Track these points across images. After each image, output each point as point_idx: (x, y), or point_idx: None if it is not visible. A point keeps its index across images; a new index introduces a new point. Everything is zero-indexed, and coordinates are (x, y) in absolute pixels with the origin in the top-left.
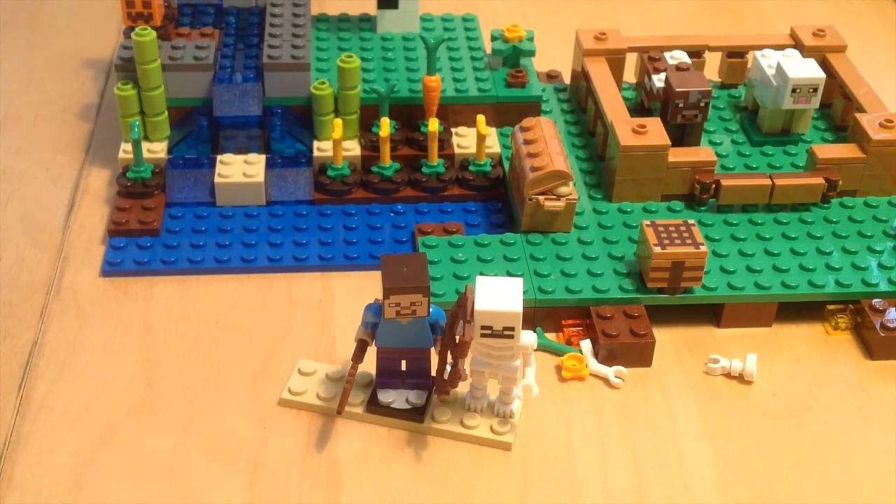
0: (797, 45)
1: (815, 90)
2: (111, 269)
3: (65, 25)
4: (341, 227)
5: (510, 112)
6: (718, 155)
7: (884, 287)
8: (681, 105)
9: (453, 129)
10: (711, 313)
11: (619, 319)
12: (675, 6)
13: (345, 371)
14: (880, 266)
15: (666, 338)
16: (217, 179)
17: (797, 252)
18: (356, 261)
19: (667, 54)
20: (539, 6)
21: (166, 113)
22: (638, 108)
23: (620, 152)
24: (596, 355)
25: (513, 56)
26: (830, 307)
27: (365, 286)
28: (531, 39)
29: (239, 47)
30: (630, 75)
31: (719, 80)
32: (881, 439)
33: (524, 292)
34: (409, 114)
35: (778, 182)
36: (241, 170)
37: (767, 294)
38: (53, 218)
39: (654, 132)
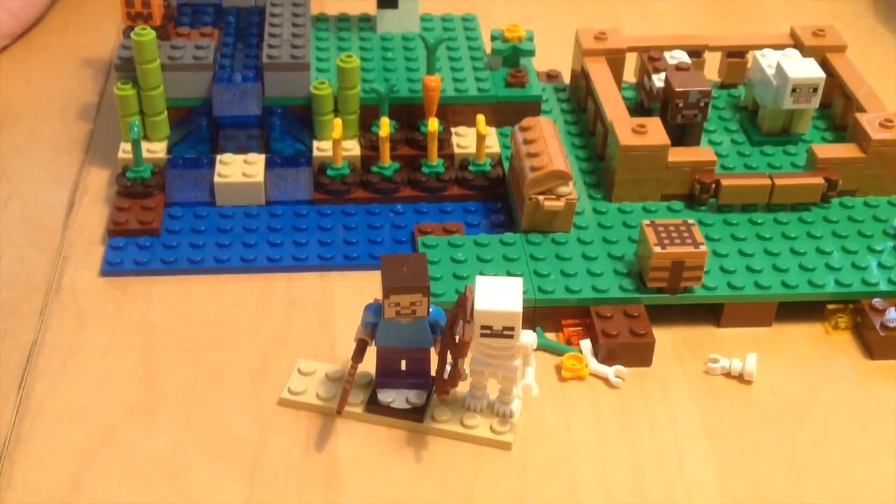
0: (797, 44)
1: (815, 90)
2: (111, 268)
3: (64, 25)
4: (341, 227)
5: (510, 112)
6: (718, 154)
7: (884, 287)
8: (681, 105)
9: (453, 129)
10: (711, 313)
11: (618, 319)
12: (675, 6)
13: (344, 371)
14: (880, 266)
15: (666, 338)
16: (217, 179)
17: (797, 252)
18: (356, 261)
19: (667, 54)
20: (539, 6)
21: (166, 113)
22: (638, 108)
23: (620, 152)
24: (596, 355)
25: (512, 56)
26: (830, 307)
27: (365, 286)
28: (531, 39)
29: (238, 47)
30: (630, 75)
31: (719, 80)
32: (881, 439)
33: (524, 292)
34: (408, 114)
35: (778, 182)
36: (240, 170)
37: (767, 294)
38: (53, 218)
39: (654, 132)
